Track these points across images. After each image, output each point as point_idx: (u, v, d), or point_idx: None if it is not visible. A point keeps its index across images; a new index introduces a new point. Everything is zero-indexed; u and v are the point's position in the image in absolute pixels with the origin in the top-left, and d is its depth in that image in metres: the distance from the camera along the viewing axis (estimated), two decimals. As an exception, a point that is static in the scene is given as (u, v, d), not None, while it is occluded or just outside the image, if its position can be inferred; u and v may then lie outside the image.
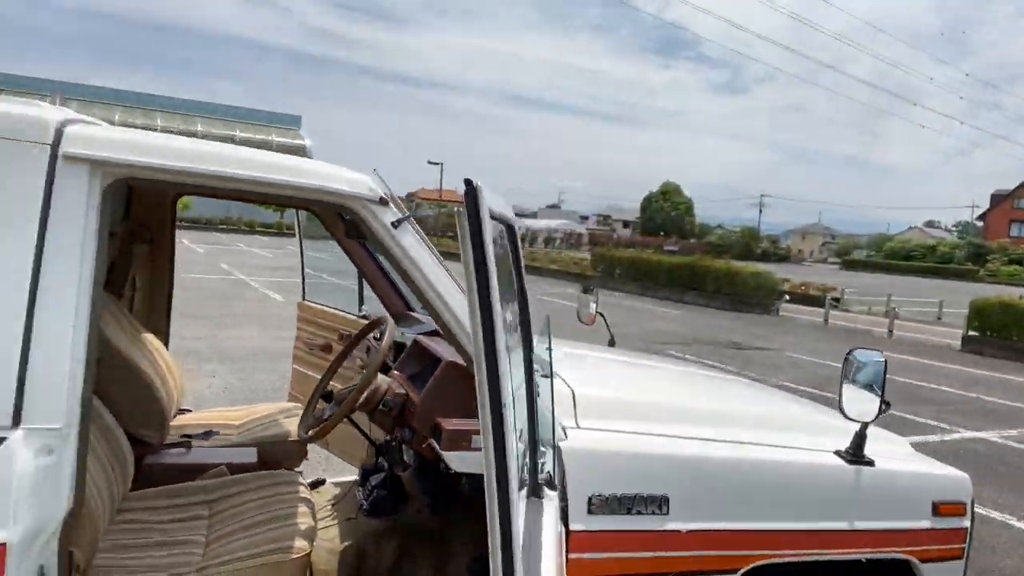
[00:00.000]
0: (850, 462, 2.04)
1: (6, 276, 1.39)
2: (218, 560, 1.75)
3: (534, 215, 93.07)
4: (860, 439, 2.04)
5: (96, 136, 1.50)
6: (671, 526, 1.82)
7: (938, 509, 2.12)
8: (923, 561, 2.10)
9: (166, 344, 2.82)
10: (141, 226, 2.82)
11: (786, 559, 1.93)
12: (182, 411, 2.82)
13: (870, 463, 2.05)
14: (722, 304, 20.00)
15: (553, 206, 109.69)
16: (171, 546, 1.82)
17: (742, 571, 1.88)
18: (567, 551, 1.73)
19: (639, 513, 1.79)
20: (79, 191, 1.45)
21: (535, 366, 1.98)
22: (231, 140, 55.70)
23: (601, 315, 3.57)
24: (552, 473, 1.48)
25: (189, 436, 2.51)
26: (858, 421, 2.01)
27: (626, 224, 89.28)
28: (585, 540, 1.75)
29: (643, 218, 75.57)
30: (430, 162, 40.06)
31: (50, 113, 1.49)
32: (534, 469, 1.41)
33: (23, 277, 1.40)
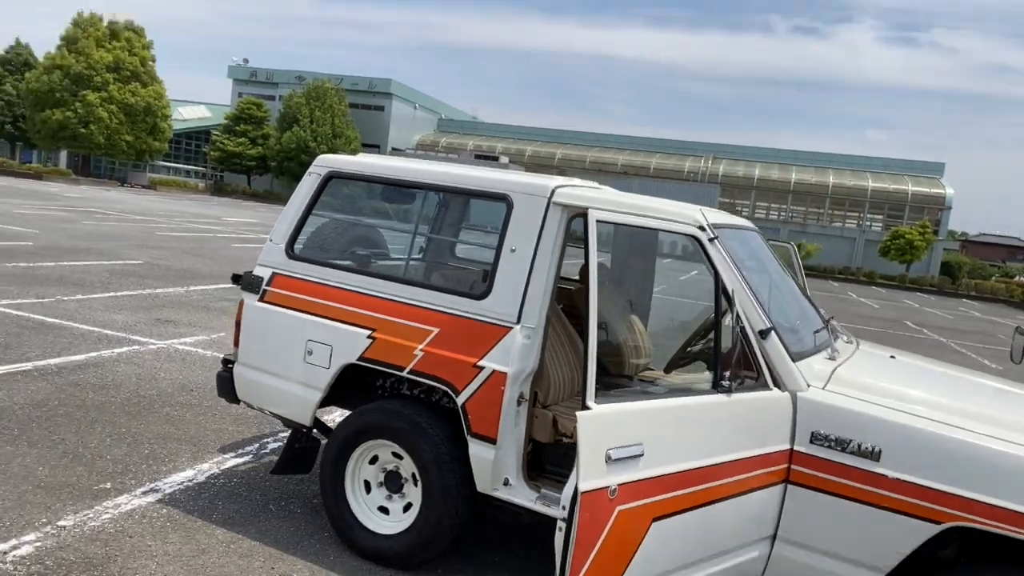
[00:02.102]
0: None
1: (522, 260, 3.08)
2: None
3: None
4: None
5: (568, 192, 3.10)
6: (879, 470, 2.45)
7: None
8: None
9: (645, 323, 4.35)
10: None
11: (990, 528, 2.29)
12: (648, 368, 4.31)
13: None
14: None
15: None
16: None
17: (945, 525, 2.35)
18: (790, 464, 2.57)
19: (852, 453, 2.49)
20: (556, 220, 3.07)
21: (832, 349, 2.84)
22: (863, 189, 55.30)
23: (1031, 356, 3.68)
24: (730, 383, 2.41)
25: (635, 377, 3.99)
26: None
27: None
28: (801, 458, 2.55)
29: None
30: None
31: (551, 181, 3.16)
32: (716, 376, 2.39)
33: (527, 260, 3.08)
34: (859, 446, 2.49)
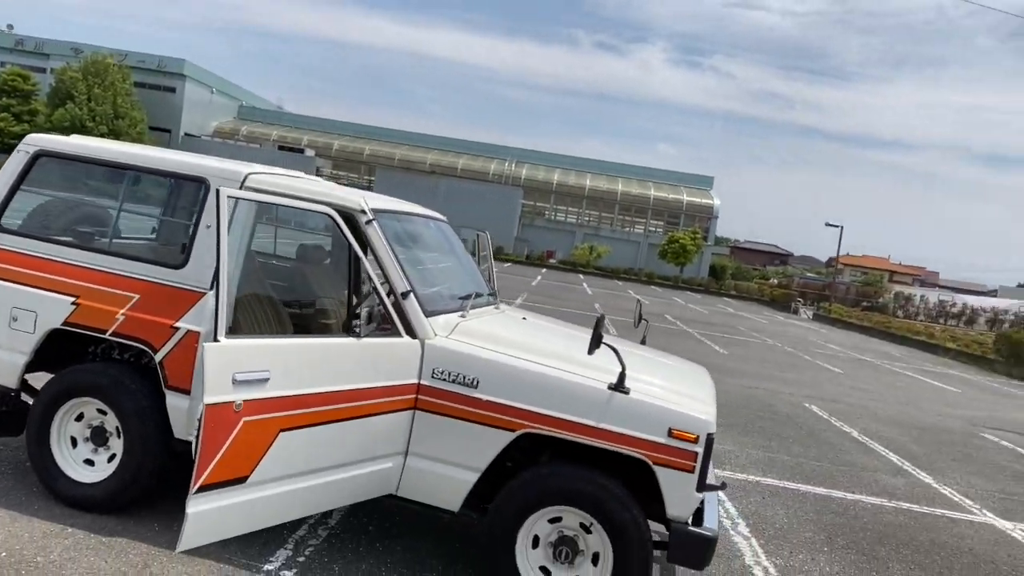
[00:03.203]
0: (611, 388, 3.17)
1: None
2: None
3: (993, 293, 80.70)
4: (621, 377, 3.17)
5: (259, 178, 3.64)
6: (476, 394, 3.26)
7: (672, 433, 3.09)
8: (656, 464, 3.10)
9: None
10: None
11: (546, 432, 3.18)
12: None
13: (625, 392, 3.16)
14: None
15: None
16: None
17: (519, 432, 3.21)
18: (417, 394, 3.32)
19: (459, 383, 3.28)
20: (247, 202, 3.61)
21: (467, 310, 3.60)
22: (646, 198, 60.18)
23: (646, 320, 4.80)
24: (359, 329, 3.12)
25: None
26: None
27: None
28: (425, 389, 3.31)
29: None
30: (828, 224, 38.34)
31: (246, 168, 3.69)
32: (349, 324, 3.08)
33: (215, 230, 3.58)
34: (464, 377, 3.29)
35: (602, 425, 3.15)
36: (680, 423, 3.12)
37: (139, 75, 51.88)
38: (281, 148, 56.97)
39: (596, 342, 3.14)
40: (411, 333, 3.38)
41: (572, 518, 3.22)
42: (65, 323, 3.62)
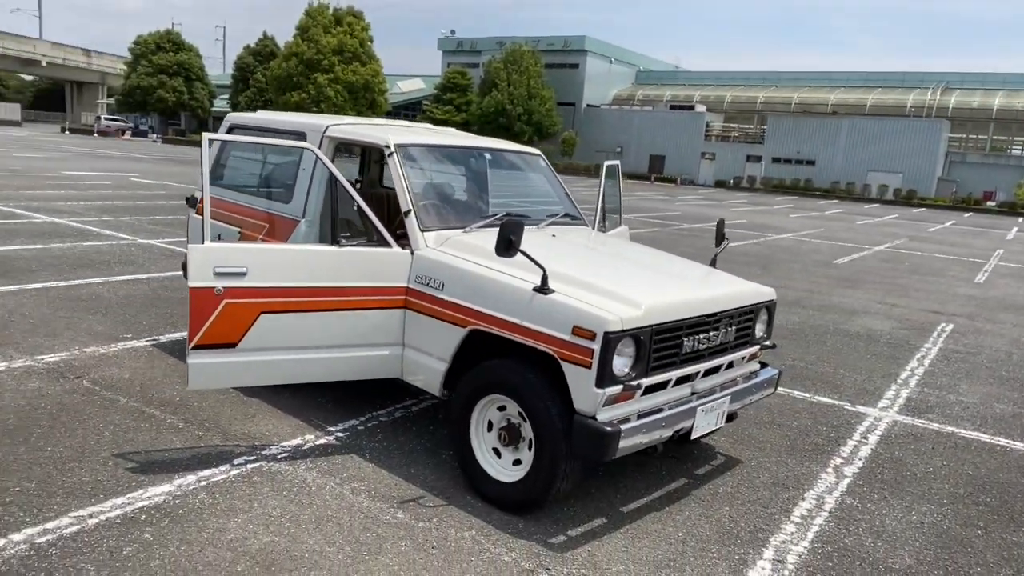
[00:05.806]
0: (535, 290, 3.34)
1: (307, 175, 4.61)
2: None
3: None
4: (543, 280, 3.32)
5: (336, 128, 4.57)
6: (441, 295, 3.73)
7: (575, 330, 3.14)
8: (561, 359, 3.19)
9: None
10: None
11: (488, 330, 3.49)
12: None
13: (547, 292, 3.30)
14: None
15: None
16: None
17: (468, 328, 3.59)
18: (407, 296, 3.91)
19: (431, 287, 3.78)
20: (327, 148, 4.56)
21: (479, 227, 4.11)
22: None
23: (727, 240, 4.54)
24: (340, 239, 3.79)
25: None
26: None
27: None
28: (412, 292, 3.88)
29: None
30: None
31: (328, 120, 4.65)
32: (333, 236, 3.79)
33: (309, 175, 4.60)
34: (435, 281, 3.77)
35: (524, 323, 3.35)
36: (583, 321, 3.15)
37: (547, 57, 57.78)
38: (672, 107, 58.18)
39: (505, 246, 3.32)
40: (406, 245, 3.98)
41: (512, 407, 3.50)
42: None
